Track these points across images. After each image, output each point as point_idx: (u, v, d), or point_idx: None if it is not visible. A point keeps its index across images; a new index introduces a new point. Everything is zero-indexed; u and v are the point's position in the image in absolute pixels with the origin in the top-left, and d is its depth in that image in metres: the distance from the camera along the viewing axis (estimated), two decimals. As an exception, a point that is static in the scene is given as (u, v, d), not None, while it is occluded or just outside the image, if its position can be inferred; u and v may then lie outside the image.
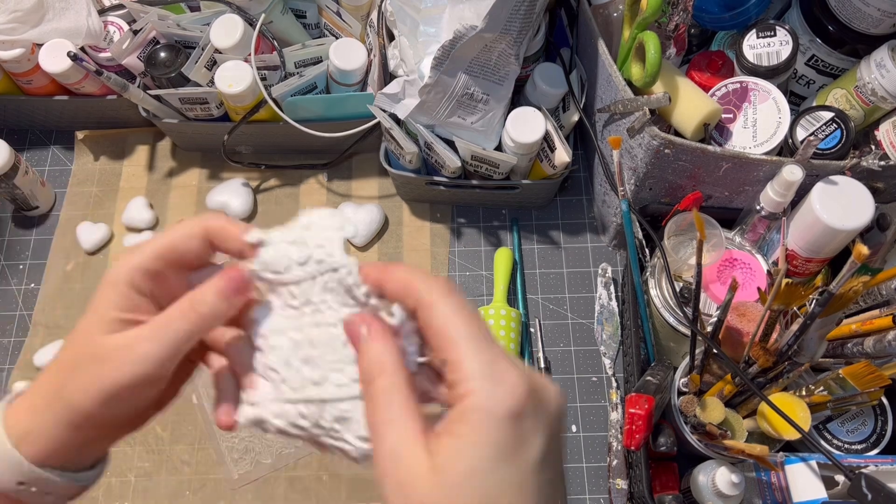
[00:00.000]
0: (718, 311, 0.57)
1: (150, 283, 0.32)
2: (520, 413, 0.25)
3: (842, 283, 0.49)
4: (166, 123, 0.80)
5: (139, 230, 0.83)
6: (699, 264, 0.55)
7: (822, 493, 0.53)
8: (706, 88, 0.64)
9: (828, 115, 0.62)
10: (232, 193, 0.82)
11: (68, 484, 0.31)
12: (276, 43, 0.76)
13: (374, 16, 0.78)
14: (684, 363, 0.61)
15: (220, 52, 0.74)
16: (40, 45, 0.76)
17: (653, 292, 0.66)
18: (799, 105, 0.73)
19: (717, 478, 0.56)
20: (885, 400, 0.61)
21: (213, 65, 0.74)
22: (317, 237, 0.31)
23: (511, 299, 0.78)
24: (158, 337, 0.30)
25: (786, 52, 0.63)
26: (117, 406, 0.30)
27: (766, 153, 0.61)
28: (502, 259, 0.78)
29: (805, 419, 0.53)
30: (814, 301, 0.51)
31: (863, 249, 0.47)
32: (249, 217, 0.83)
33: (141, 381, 0.30)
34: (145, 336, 0.30)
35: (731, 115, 0.63)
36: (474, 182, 0.76)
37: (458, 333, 0.27)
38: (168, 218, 0.84)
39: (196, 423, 0.74)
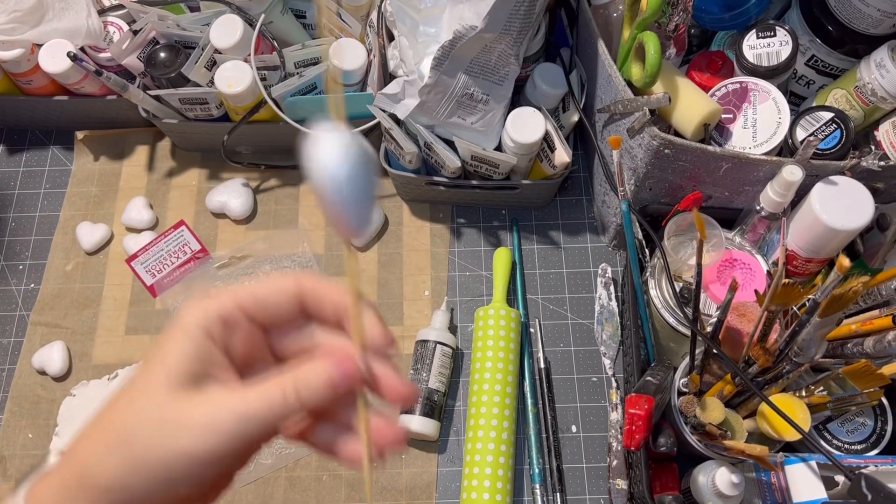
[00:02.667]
0: (718, 312, 0.57)
1: (228, 334, 0.28)
2: None
3: (827, 293, 0.49)
4: (166, 124, 0.80)
5: (139, 230, 0.83)
6: (699, 264, 0.55)
7: (821, 494, 0.53)
8: (706, 89, 0.64)
9: (828, 115, 0.62)
10: (231, 193, 0.83)
11: None
12: (275, 43, 0.76)
13: (373, 16, 0.78)
14: (684, 363, 0.61)
15: (220, 53, 0.74)
16: (40, 46, 0.76)
17: (653, 292, 0.66)
18: (799, 105, 0.73)
19: (717, 478, 0.56)
20: (884, 400, 0.61)
21: (212, 65, 0.74)
22: None
23: (511, 299, 0.78)
24: (251, 412, 0.25)
25: (786, 52, 0.63)
26: (174, 487, 0.25)
27: (766, 153, 0.61)
28: (501, 259, 0.78)
29: (805, 419, 0.53)
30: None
31: (845, 262, 0.48)
32: (249, 217, 0.83)
33: (218, 458, 0.25)
34: (235, 408, 0.25)
35: (730, 116, 0.63)
36: (474, 182, 0.76)
37: None
38: (168, 218, 0.84)
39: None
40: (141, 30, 0.75)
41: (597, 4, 0.70)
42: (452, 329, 0.77)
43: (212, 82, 0.74)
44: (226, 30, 0.73)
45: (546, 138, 0.71)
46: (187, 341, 0.27)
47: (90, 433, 0.26)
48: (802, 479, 0.54)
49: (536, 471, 0.70)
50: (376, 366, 0.29)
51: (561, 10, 0.77)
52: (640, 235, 0.68)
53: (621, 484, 0.68)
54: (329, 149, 0.26)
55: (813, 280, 0.67)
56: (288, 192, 0.85)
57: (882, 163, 0.58)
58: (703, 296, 0.64)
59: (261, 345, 0.30)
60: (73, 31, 0.76)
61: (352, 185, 0.26)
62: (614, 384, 0.74)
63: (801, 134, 0.62)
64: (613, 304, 0.77)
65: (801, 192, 0.60)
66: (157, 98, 0.76)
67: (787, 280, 0.52)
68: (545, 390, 0.73)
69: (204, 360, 0.27)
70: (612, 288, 0.78)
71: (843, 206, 0.59)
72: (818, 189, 0.60)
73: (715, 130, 0.63)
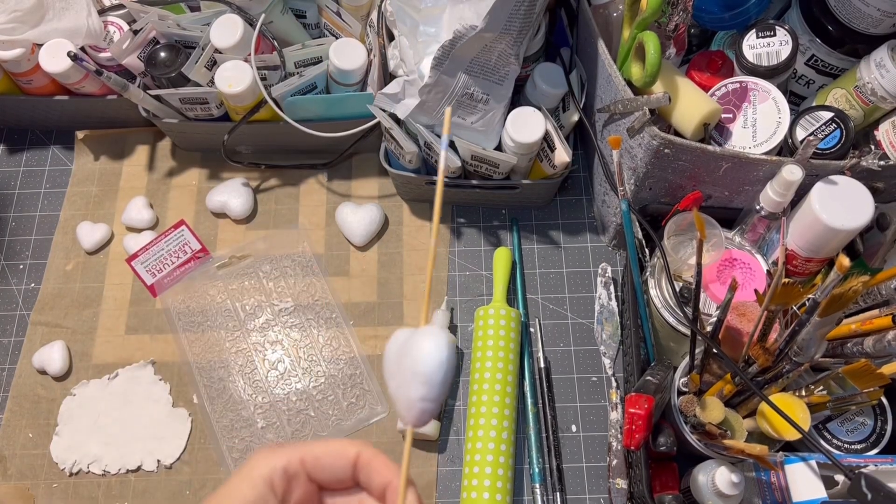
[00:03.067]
0: (718, 311, 0.58)
1: (287, 487, 0.31)
2: None
3: (827, 292, 0.49)
4: (166, 123, 0.80)
5: (139, 230, 0.83)
6: (699, 264, 0.55)
7: (821, 493, 0.53)
8: (706, 88, 0.64)
9: (827, 114, 0.62)
10: (232, 193, 0.83)
11: None
12: (276, 43, 0.76)
13: (374, 16, 0.78)
14: (684, 363, 0.61)
15: (221, 52, 0.74)
16: (40, 45, 0.76)
17: (653, 292, 0.66)
18: (799, 105, 0.73)
19: (716, 477, 0.56)
20: (884, 399, 0.61)
21: (213, 65, 0.74)
22: None
23: (511, 299, 0.78)
24: None
25: (785, 52, 0.63)
26: None
27: (766, 153, 0.61)
28: (501, 259, 0.78)
29: (805, 419, 0.53)
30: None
31: (844, 261, 0.48)
32: (250, 217, 0.83)
33: None
34: None
35: (730, 115, 0.63)
36: (474, 182, 0.76)
37: None
38: (168, 218, 0.84)
39: (197, 423, 0.74)
40: (141, 29, 0.75)
41: (597, 4, 0.70)
42: (452, 329, 0.77)
43: (212, 82, 0.74)
44: (226, 29, 0.73)
45: (546, 138, 0.71)
46: (250, 489, 0.30)
47: None
48: (802, 479, 0.54)
49: (536, 470, 0.70)
50: None
51: (561, 9, 0.77)
52: (640, 235, 0.68)
53: (621, 483, 0.68)
54: (432, 345, 0.29)
55: (813, 280, 0.67)
56: (288, 192, 0.85)
57: (882, 162, 0.58)
58: (702, 295, 0.64)
59: (313, 500, 0.32)
60: (74, 31, 0.76)
61: (439, 380, 0.29)
62: (614, 384, 0.74)
63: (800, 133, 0.62)
64: (613, 303, 0.77)
65: (801, 192, 0.60)
66: (157, 98, 0.76)
67: (786, 279, 0.52)
68: (545, 390, 0.73)
69: None
70: (612, 287, 0.78)
71: (842, 205, 0.59)
72: (818, 189, 0.60)
73: (715, 130, 0.63)
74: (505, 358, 0.71)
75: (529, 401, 0.72)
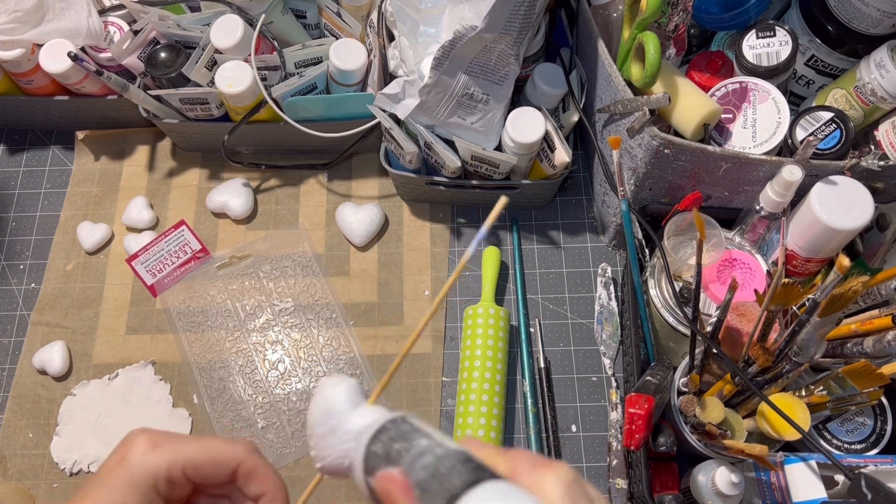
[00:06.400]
0: (718, 311, 0.58)
1: (169, 490, 0.31)
2: None
3: (827, 292, 0.49)
4: (167, 123, 0.80)
5: (139, 230, 0.83)
6: (699, 264, 0.55)
7: (821, 493, 0.53)
8: (706, 89, 0.64)
9: (827, 115, 0.62)
10: (232, 193, 0.83)
11: None
12: (276, 43, 0.76)
13: (374, 16, 0.78)
14: (684, 363, 0.61)
15: (221, 53, 0.74)
16: (40, 46, 0.76)
17: (652, 292, 0.66)
18: (798, 105, 0.73)
19: (716, 477, 0.56)
20: (884, 400, 0.61)
21: (213, 65, 0.74)
22: None
23: (511, 299, 0.78)
24: None
25: (785, 52, 0.63)
26: None
27: (766, 153, 0.61)
28: (490, 259, 0.78)
29: (804, 419, 0.53)
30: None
31: (844, 261, 0.48)
32: (250, 217, 0.83)
33: None
34: None
35: (730, 116, 0.63)
36: (474, 182, 0.76)
37: None
38: (168, 218, 0.84)
39: (197, 423, 0.74)
40: (141, 30, 0.75)
41: (597, 4, 0.70)
42: (452, 330, 0.77)
43: (212, 82, 0.74)
44: (226, 30, 0.73)
45: (546, 138, 0.71)
46: (141, 497, 0.30)
47: None
48: (802, 479, 0.54)
49: (536, 470, 0.70)
50: None
51: (561, 10, 0.77)
52: (639, 235, 0.69)
53: (621, 483, 0.68)
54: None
55: (813, 280, 0.67)
56: (288, 192, 0.85)
57: (882, 162, 0.58)
58: (702, 295, 0.64)
59: (186, 494, 0.33)
60: (74, 31, 0.76)
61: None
62: (614, 384, 0.74)
63: (800, 134, 0.62)
64: (613, 303, 0.77)
65: (801, 192, 0.60)
66: (157, 98, 0.76)
67: (786, 280, 0.52)
68: (545, 390, 0.73)
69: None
70: (611, 288, 0.78)
71: (842, 205, 0.59)
72: (818, 189, 0.60)
73: (715, 130, 0.63)
74: (493, 357, 0.71)
75: (529, 401, 0.72)
